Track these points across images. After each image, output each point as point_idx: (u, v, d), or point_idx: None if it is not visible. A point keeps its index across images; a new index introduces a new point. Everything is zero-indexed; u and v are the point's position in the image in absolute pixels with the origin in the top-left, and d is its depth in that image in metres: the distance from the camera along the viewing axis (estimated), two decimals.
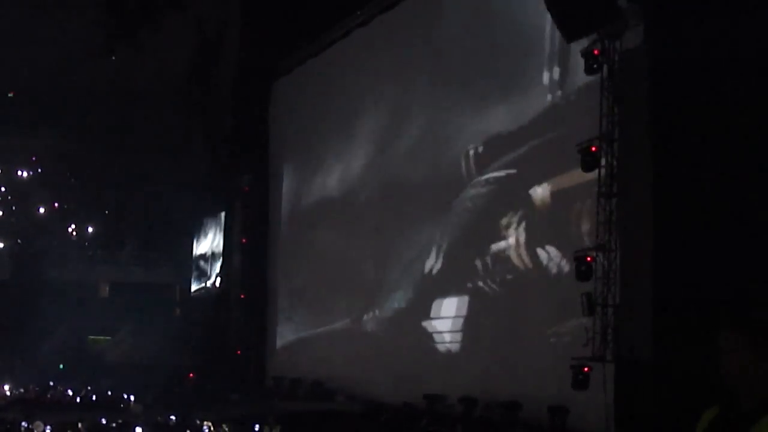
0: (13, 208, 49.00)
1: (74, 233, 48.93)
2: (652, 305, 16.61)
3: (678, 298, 16.11)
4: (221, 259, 38.91)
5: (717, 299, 14.83)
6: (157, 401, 30.44)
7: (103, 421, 24.86)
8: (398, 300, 27.19)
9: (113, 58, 39.01)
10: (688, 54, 16.65)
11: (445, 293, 25.14)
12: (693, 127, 16.60)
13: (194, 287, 41.91)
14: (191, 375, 36.67)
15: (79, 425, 23.82)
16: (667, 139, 16.85)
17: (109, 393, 32.22)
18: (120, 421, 25.16)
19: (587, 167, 18.36)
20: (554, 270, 20.78)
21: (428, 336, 25.55)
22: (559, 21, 18.66)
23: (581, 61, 18.66)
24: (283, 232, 35.71)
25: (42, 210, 49.07)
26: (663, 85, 17.05)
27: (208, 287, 40.41)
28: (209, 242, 41.06)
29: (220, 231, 39.56)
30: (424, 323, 25.80)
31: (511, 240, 22.66)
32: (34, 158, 48.27)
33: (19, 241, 47.56)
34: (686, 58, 16.66)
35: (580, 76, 19.28)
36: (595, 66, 18.25)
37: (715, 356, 3.79)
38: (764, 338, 3.78)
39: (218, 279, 39.21)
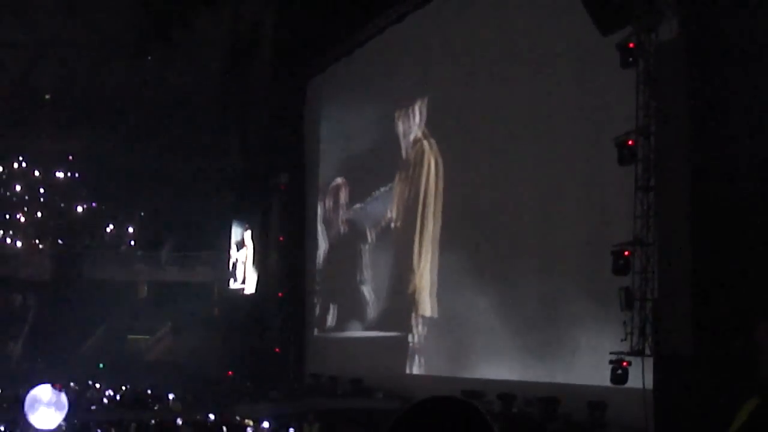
0: (52, 209, 49.49)
1: (112, 234, 49.35)
2: (691, 299, 16.48)
3: (716, 292, 15.99)
4: (258, 258, 38.98)
5: (755, 292, 14.71)
6: (196, 399, 30.57)
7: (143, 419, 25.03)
8: (435, 298, 27.15)
9: (148, 58, 39.21)
10: (724, 45, 16.51)
11: (482, 291, 25.06)
12: (731, 119, 16.46)
13: (232, 286, 42.00)
14: (230, 373, 36.81)
15: (132, 425, 24.00)
16: (705, 132, 16.71)
17: (149, 391, 32.39)
18: (159, 419, 25.29)
19: (624, 161, 18.22)
20: (592, 264, 20.66)
21: (466, 333, 25.50)
22: (594, 14, 18.56)
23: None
24: (319, 230, 35.71)
25: (80, 211, 49.52)
26: (700, 78, 16.90)
27: (245, 287, 40.48)
28: (246, 241, 41.12)
29: (256, 229, 39.61)
30: (462, 320, 25.75)
31: (548, 236, 22.58)
32: (71, 159, 48.70)
33: (60, 241, 48.00)
34: (723, 50, 16.51)
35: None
36: (630, 59, 18.05)
37: (754, 349, 3.75)
38: None
39: (256, 278, 39.25)
